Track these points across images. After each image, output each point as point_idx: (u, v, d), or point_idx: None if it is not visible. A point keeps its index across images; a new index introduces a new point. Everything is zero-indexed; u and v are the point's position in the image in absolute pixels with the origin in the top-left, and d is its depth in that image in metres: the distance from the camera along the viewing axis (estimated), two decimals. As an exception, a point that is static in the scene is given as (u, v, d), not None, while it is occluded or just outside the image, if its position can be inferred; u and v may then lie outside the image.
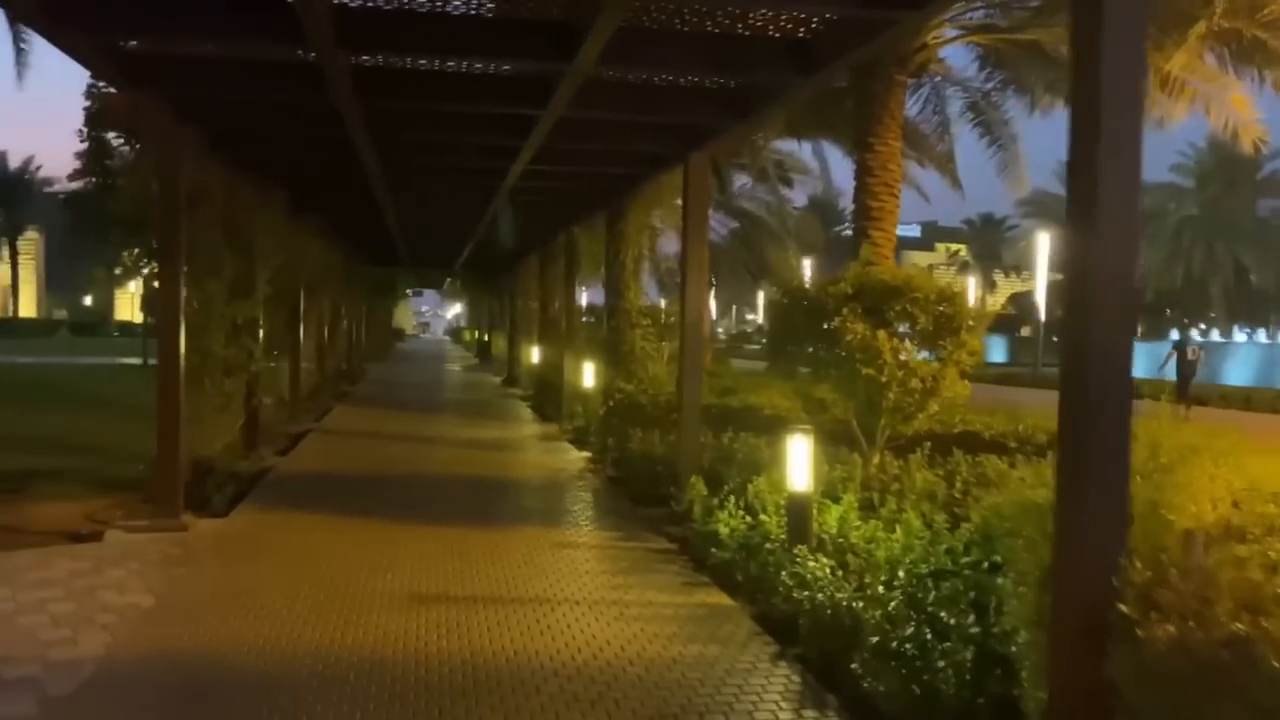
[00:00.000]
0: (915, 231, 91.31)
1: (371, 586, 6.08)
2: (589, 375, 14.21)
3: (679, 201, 13.94)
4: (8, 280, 67.15)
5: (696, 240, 8.31)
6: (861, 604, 4.97)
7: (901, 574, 5.22)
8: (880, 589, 5.17)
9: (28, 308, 75.02)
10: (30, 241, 70.71)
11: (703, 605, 5.89)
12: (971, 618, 4.47)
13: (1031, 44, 13.96)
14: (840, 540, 5.94)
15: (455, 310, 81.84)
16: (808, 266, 34.49)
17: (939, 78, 14.96)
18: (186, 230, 9.03)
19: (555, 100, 6.79)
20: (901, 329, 7.66)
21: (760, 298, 70.60)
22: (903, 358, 7.37)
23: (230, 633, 5.16)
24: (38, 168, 64.40)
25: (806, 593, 5.16)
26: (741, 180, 25.31)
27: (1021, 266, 64.22)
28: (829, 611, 4.94)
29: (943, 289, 7.63)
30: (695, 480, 7.53)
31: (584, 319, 20.97)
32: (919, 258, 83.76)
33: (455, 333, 78.28)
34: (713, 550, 6.46)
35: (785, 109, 13.12)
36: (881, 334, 7.29)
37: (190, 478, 9.56)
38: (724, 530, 6.56)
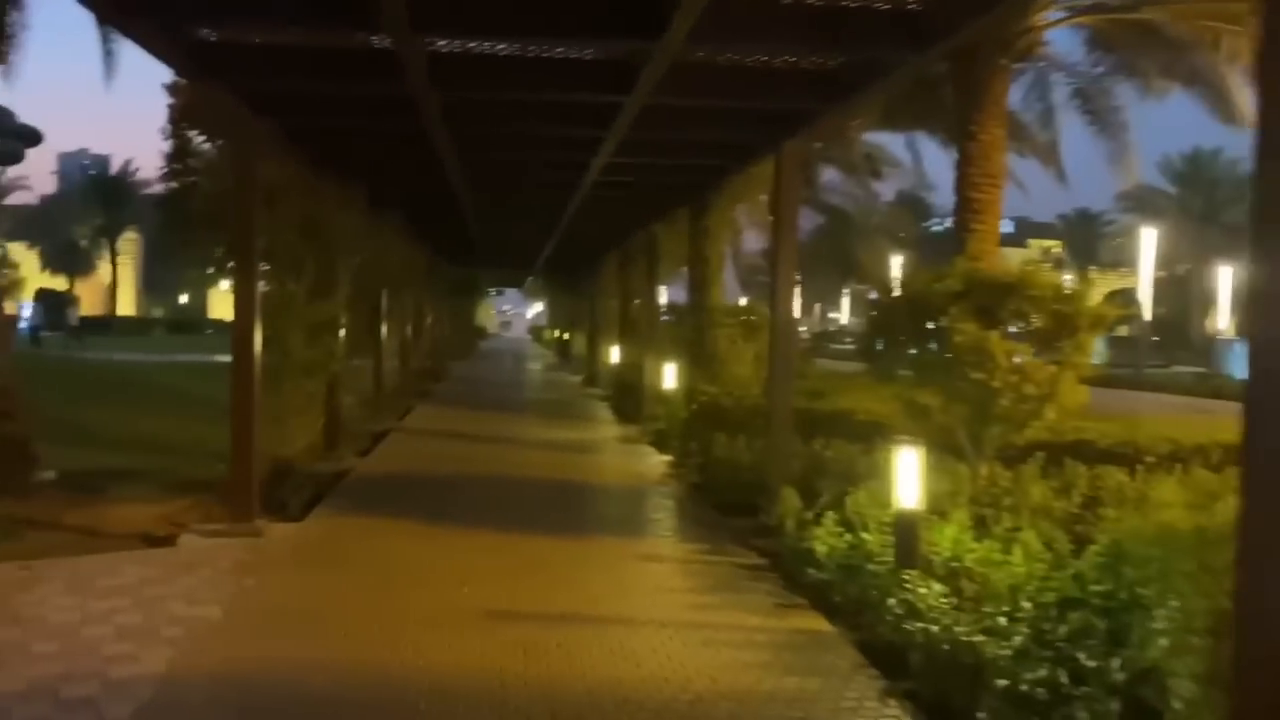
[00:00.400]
0: (1008, 227, 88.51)
1: (447, 601, 5.75)
2: (670, 376, 13.79)
3: (763, 197, 13.50)
4: (108, 279, 69.66)
5: (787, 236, 7.81)
6: (982, 637, 4.44)
7: (1026, 604, 4.66)
8: (1002, 620, 4.62)
9: (127, 306, 77.89)
10: (129, 242, 73.30)
11: (799, 630, 5.41)
12: (1117, 662, 3.91)
13: (1144, 24, 13.06)
14: (954, 563, 5.39)
15: (536, 309, 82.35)
16: (896, 263, 33.54)
17: (1043, 63, 14.13)
18: (263, 227, 8.89)
19: (640, 85, 6.38)
20: (1013, 329, 7.06)
21: (845, 297, 69.29)
22: (1017, 361, 6.77)
23: (297, 650, 4.87)
24: (136, 170, 66.59)
25: (919, 624, 4.64)
26: (828, 174, 24.62)
27: (1120, 263, 61.74)
28: (946, 646, 4.41)
29: (1060, 286, 6.99)
30: (788, 492, 7.03)
31: (662, 318, 20.63)
32: (1012, 254, 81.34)
33: (536, 332, 78.72)
34: (809, 570, 5.96)
35: (880, 98, 12.49)
36: (993, 335, 6.70)
37: (268, 479, 9.45)
38: (821, 548, 6.05)
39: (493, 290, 70.98)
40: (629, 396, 16.98)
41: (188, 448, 11.54)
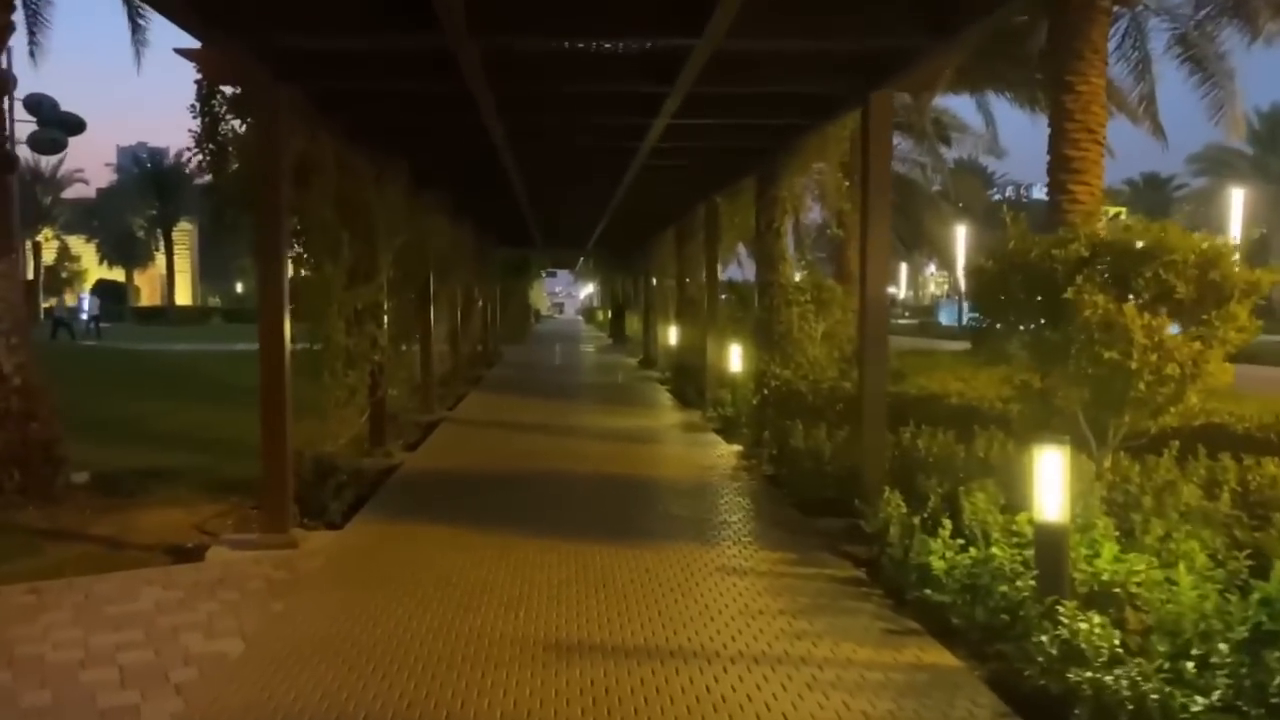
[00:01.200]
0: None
1: (500, 630, 4.96)
2: (735, 358, 12.90)
3: (818, 165, 12.47)
4: (164, 269, 70.42)
5: (878, 200, 6.85)
6: (1171, 689, 3.53)
7: (1223, 646, 3.73)
8: (1190, 665, 3.70)
9: (184, 296, 78.82)
10: (184, 232, 74.04)
11: (919, 665, 4.51)
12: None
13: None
14: (1111, 585, 4.45)
15: (588, 290, 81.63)
16: (961, 234, 32.10)
17: (1140, 7, 12.87)
18: (293, 205, 8.17)
19: (710, 26, 5.46)
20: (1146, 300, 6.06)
21: (903, 270, 67.43)
22: (1157, 338, 5.77)
23: (326, 697, 4.10)
24: (189, 160, 66.89)
25: (1087, 673, 3.72)
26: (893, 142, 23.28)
27: (1197, 226, 59.22)
28: (1130, 706, 3.50)
29: (1205, 250, 5.95)
30: (890, 494, 6.10)
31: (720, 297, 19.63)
32: (1073, 223, 78.66)
33: (588, 313, 78.07)
34: (927, 592, 5.05)
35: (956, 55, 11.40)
36: (1129, 308, 5.71)
37: (310, 478, 8.81)
38: (938, 563, 5.14)
39: (545, 272, 70.49)
40: (689, 380, 16.12)
41: (231, 442, 10.92)
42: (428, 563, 6.24)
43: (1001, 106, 20.10)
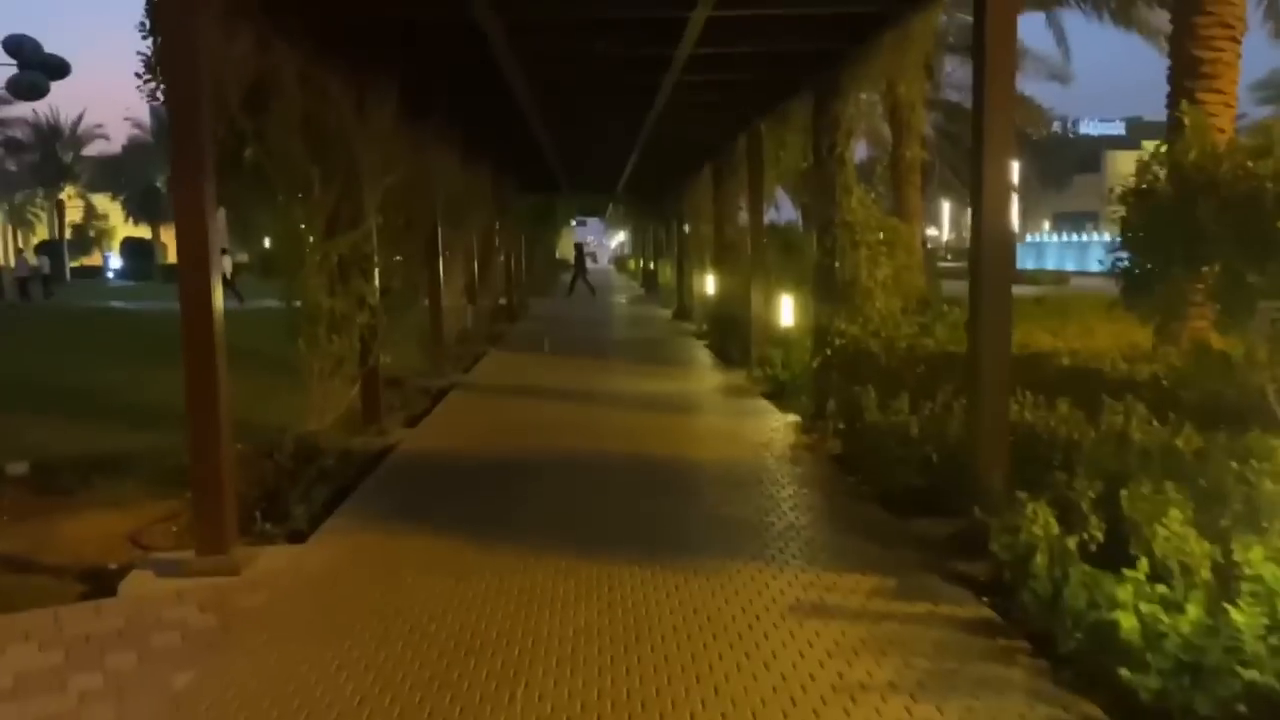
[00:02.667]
0: (1119, 129, 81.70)
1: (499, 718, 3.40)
2: (787, 311, 11.18)
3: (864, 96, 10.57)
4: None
5: (999, 104, 5.10)
6: None
7: None
8: None
9: (213, 253, 77.64)
10: (210, 187, 72.74)
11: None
12: None
13: None
14: None
15: (619, 239, 79.65)
16: (1016, 169, 29.82)
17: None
18: (248, 132, 6.59)
19: None
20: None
21: (945, 210, 64.61)
22: None
23: None
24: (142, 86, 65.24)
25: None
26: (948, 68, 21.19)
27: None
28: None
29: None
30: (1033, 506, 4.42)
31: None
32: (1124, 157, 75.30)
33: (619, 261, 76.20)
34: (1123, 672, 3.38)
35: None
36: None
37: (291, 465, 7.37)
38: (1128, 622, 3.49)
39: (574, 221, 68.55)
40: (730, 335, 14.43)
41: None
42: (407, 598, 4.68)
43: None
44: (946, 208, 65.77)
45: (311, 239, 7.70)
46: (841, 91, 8.52)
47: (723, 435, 8.61)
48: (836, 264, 8.87)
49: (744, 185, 14.62)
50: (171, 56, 5.00)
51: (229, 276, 29.95)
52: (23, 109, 56.32)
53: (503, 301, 23.47)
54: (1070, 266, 44.47)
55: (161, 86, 7.46)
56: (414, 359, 12.75)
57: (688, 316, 20.87)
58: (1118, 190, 5.40)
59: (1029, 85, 26.45)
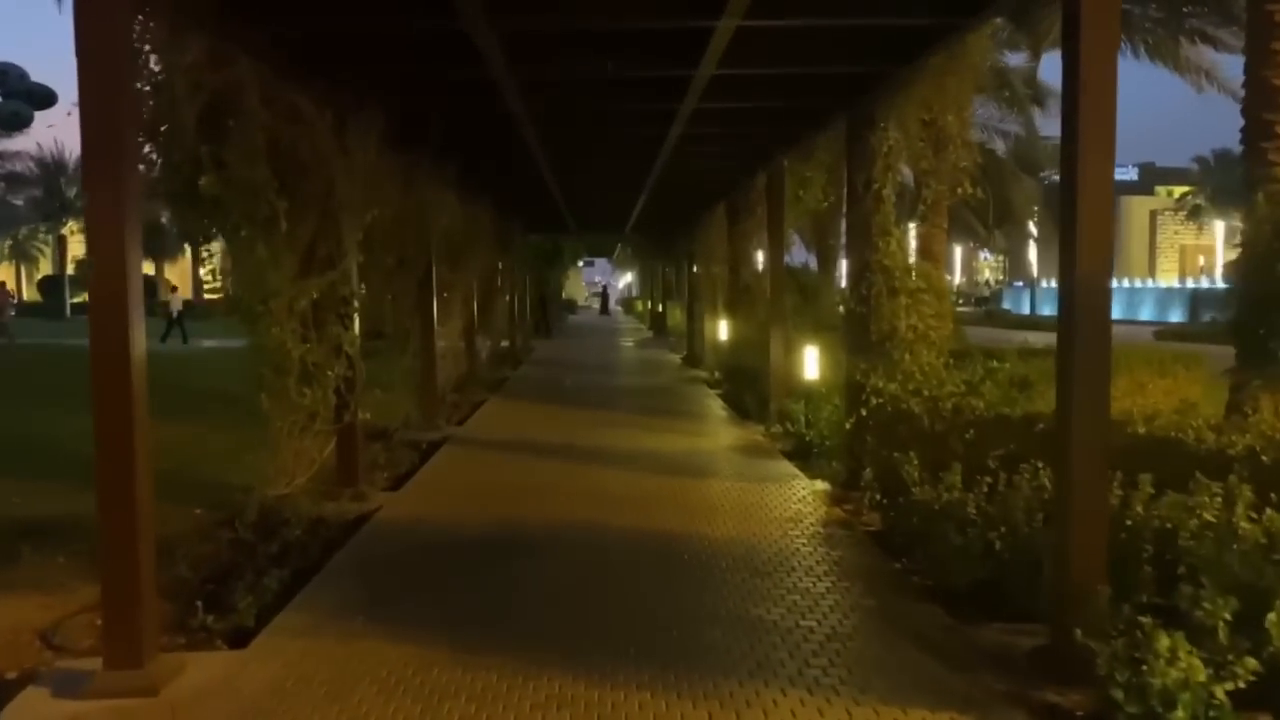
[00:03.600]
0: (1130, 174, 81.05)
1: None
2: (811, 362, 10.21)
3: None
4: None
5: (1096, 121, 4.16)
6: None
7: None
8: None
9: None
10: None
11: None
12: None
13: None
14: None
15: (627, 279, 78.94)
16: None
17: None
18: (205, 158, 5.71)
19: None
20: None
21: (956, 254, 63.77)
22: None
23: None
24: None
25: None
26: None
27: None
28: None
29: None
30: (1165, 639, 3.39)
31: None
32: (1137, 203, 74.69)
33: (627, 303, 75.47)
34: None
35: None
36: None
37: (252, 537, 6.44)
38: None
39: (581, 262, 67.90)
40: (745, 385, 13.46)
41: (175, 473, 8.54)
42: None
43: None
44: (958, 252, 65.04)
45: (279, 279, 6.77)
46: (879, 121, 7.61)
47: (743, 506, 7.59)
48: (870, 312, 7.91)
49: (761, 225, 13.74)
50: (86, 56, 4.08)
51: (175, 315, 28.50)
52: (27, 143, 55.98)
53: (506, 344, 22.59)
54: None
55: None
56: (406, 409, 11.82)
57: (698, 363, 19.92)
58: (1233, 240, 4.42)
59: (1049, 126, 25.73)
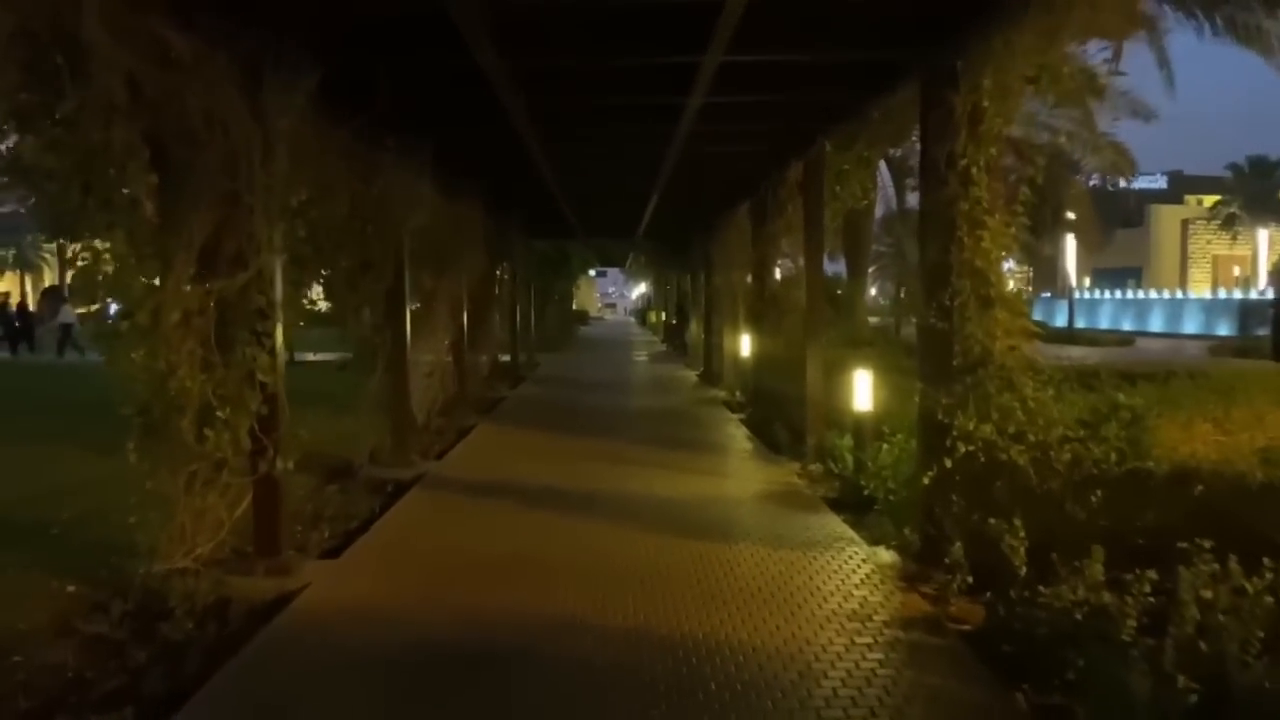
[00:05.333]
0: (1160, 183, 78.43)
1: None
2: (863, 390, 8.29)
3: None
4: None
5: None
6: None
7: None
8: None
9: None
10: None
11: None
12: None
13: None
14: None
15: (640, 289, 77.06)
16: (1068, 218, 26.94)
17: None
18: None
19: None
20: None
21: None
22: None
23: None
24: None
25: None
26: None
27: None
28: None
29: None
30: None
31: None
32: (1167, 212, 72.35)
33: (640, 314, 73.60)
34: None
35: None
36: None
37: (129, 630, 4.69)
38: None
39: (594, 271, 65.97)
40: (774, 409, 11.55)
41: (78, 524, 6.75)
42: None
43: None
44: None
45: (147, 284, 4.93)
46: (971, 74, 5.72)
47: (787, 589, 5.67)
48: (952, 329, 6.00)
49: (792, 225, 11.85)
50: None
51: (71, 329, 25.67)
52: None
53: (507, 359, 20.74)
54: (1128, 326, 41.25)
55: None
56: (375, 439, 9.97)
57: (716, 381, 18.01)
58: None
59: (1113, 125, 23.57)
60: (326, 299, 8.82)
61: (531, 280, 26.16)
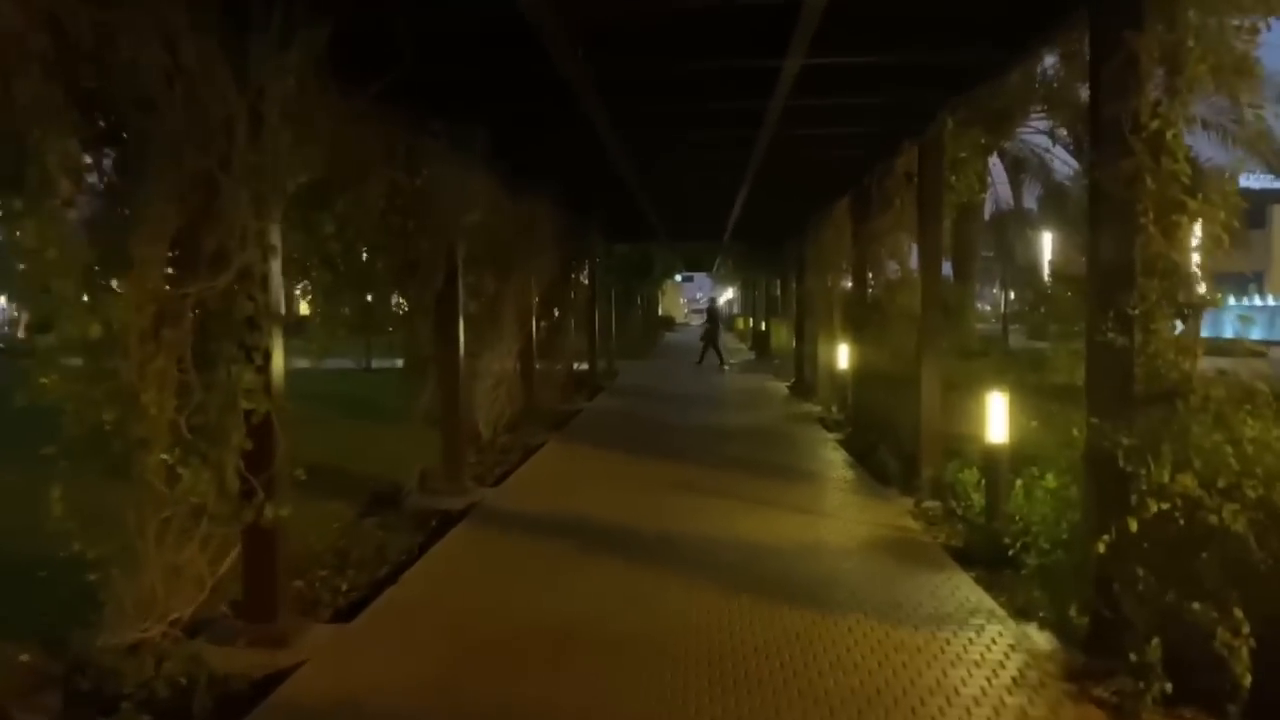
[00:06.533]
0: (1283, 181, 73.31)
1: None
2: (998, 416, 6.77)
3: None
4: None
5: None
6: None
7: None
8: None
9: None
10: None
11: None
12: None
13: None
14: None
15: (728, 295, 75.46)
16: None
17: None
18: None
19: None
20: None
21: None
22: None
23: None
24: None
25: None
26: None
27: None
28: None
29: None
30: None
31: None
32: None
33: (727, 320, 72.00)
34: None
35: None
36: None
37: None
38: None
39: (679, 276, 64.58)
40: (879, 431, 10.10)
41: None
42: None
43: None
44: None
45: (77, 283, 3.84)
46: (1164, 2, 4.27)
47: (916, 695, 4.26)
48: (1133, 344, 4.54)
49: (900, 221, 10.39)
50: None
51: None
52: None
53: (585, 367, 19.63)
54: (1257, 334, 38.12)
55: None
56: (427, 459, 8.91)
57: (809, 394, 16.52)
58: None
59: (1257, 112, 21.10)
60: (359, 305, 7.75)
61: (612, 285, 25.02)
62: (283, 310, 5.04)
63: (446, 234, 8.20)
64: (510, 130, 8.76)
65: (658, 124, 8.89)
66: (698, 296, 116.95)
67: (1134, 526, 4.26)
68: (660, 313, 49.36)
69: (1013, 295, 28.06)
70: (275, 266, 4.86)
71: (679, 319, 77.68)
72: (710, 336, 26.24)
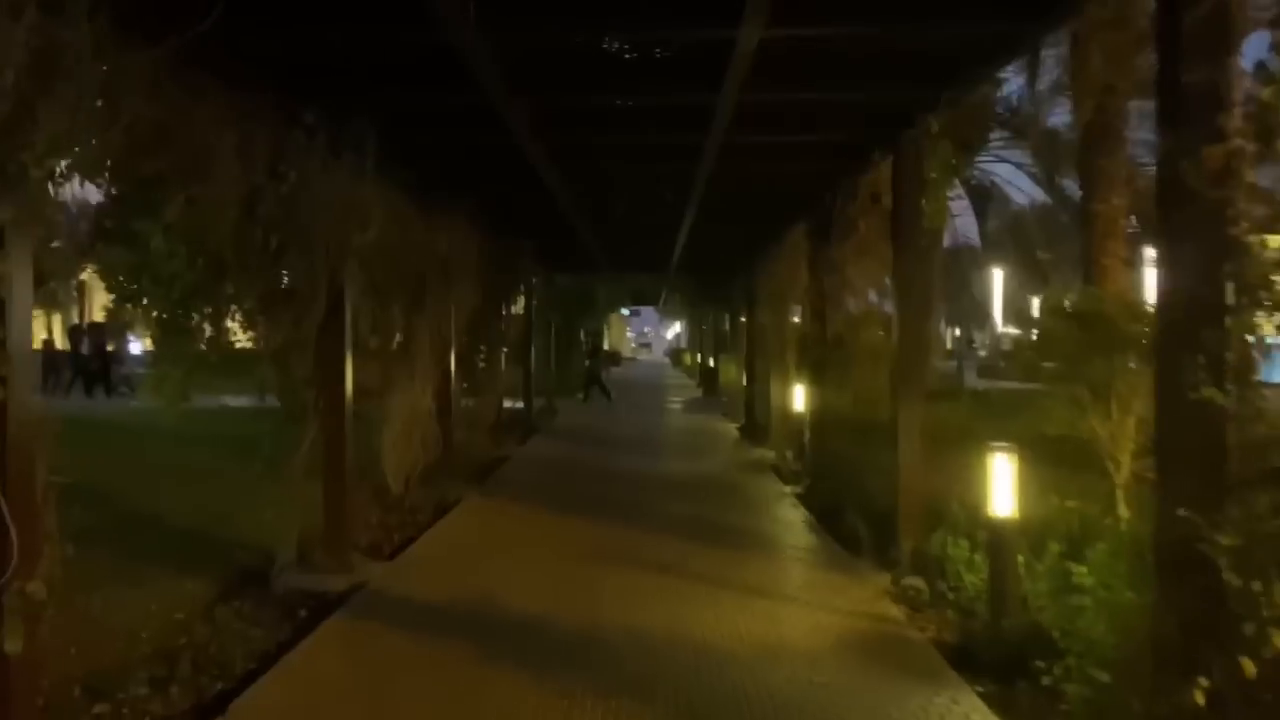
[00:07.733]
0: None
1: None
2: (1003, 482, 5.44)
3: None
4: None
5: None
6: None
7: None
8: None
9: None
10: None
11: None
12: None
13: None
14: None
15: (675, 329, 74.32)
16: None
17: None
18: None
19: None
20: None
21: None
22: None
23: None
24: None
25: None
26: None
27: None
28: None
29: None
30: None
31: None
32: None
33: (675, 355, 70.82)
34: None
35: None
36: None
37: None
38: None
39: (626, 311, 63.30)
40: (842, 488, 8.78)
41: None
42: None
43: None
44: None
45: None
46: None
47: None
48: (1222, 403, 3.24)
49: (865, 247, 9.16)
50: None
51: (113, 365, 22.67)
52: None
53: (520, 406, 18.14)
54: None
55: None
56: (306, 524, 7.34)
57: (761, 438, 15.18)
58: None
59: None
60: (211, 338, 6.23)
61: (552, 318, 23.58)
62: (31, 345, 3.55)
63: (329, 253, 6.73)
64: (410, 132, 7.36)
65: (586, 124, 7.58)
66: (645, 330, 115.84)
67: (1251, 671, 2.94)
68: (605, 347, 47.85)
69: (958, 332, 27.26)
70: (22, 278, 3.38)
71: (625, 354, 76.32)
72: (593, 373, 26.82)
